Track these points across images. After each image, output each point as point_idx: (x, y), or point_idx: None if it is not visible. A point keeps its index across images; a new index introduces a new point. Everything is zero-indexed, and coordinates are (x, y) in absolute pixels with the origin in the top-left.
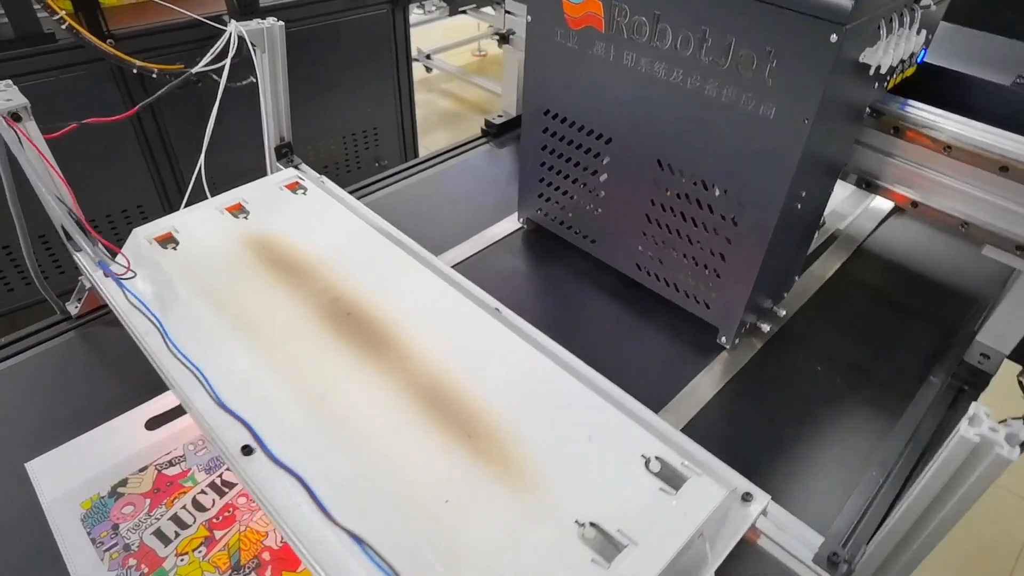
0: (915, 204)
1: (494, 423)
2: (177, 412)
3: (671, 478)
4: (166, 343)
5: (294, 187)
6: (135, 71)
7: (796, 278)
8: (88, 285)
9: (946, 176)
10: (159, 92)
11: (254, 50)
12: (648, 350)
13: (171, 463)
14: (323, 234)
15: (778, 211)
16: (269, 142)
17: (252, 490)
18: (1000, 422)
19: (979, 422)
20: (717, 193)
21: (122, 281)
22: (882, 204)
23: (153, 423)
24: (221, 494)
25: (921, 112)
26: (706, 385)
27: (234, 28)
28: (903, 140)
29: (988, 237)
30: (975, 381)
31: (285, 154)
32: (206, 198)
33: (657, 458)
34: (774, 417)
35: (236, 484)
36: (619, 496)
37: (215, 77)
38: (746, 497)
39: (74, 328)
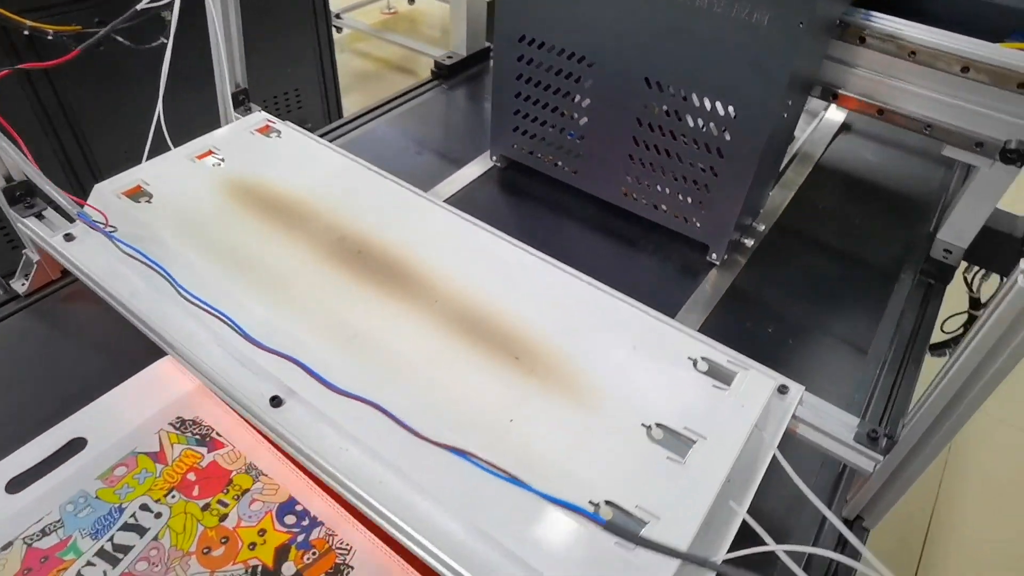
0: (881, 111)
1: (537, 344)
2: (47, 467)
3: (721, 375)
4: (177, 291)
5: (266, 130)
6: (26, 32)
7: (769, 194)
8: (35, 258)
9: (910, 82)
10: (104, 29)
11: None
12: (641, 275)
13: (44, 532)
14: (310, 175)
15: (771, 122)
16: (225, 89)
17: (289, 443)
18: None
19: None
20: (709, 108)
21: (112, 234)
22: (832, 122)
23: (15, 484)
24: (114, 562)
25: (886, 21)
26: (703, 300)
27: None
28: (869, 50)
29: (949, 137)
30: (941, 275)
31: (242, 101)
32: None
33: (703, 358)
34: (772, 321)
35: (133, 547)
36: (676, 397)
37: (119, 39)
38: (782, 389)
39: (24, 308)
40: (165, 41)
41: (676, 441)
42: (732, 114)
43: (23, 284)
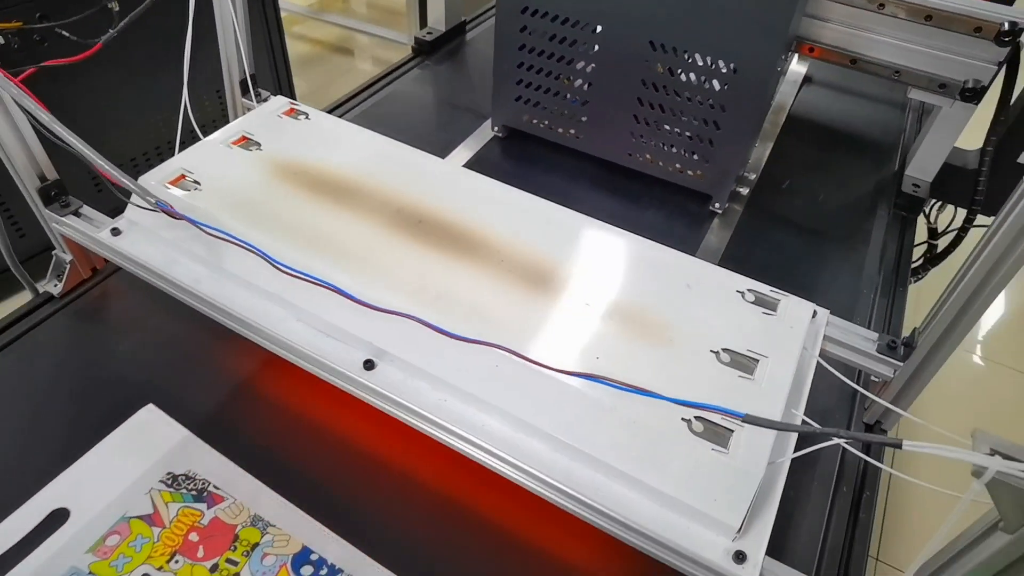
0: (854, 61)
1: (603, 290)
2: (29, 544)
3: (767, 304)
4: (275, 266)
5: (291, 113)
6: None
7: (755, 144)
8: (68, 258)
9: (879, 32)
10: (123, 22)
11: None
12: (651, 228)
13: None
14: (349, 153)
15: (770, 76)
16: (232, 78)
17: (388, 401)
18: None
19: None
20: (712, 65)
21: (195, 218)
22: (796, 73)
23: None
24: None
25: None
26: (712, 245)
27: None
28: (841, 4)
29: (915, 80)
30: (912, 207)
31: (253, 87)
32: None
33: (749, 290)
34: (775, 259)
35: None
36: (733, 325)
37: (64, 33)
38: (813, 314)
39: (58, 310)
40: (114, 33)
41: (743, 362)
42: (733, 70)
43: (56, 285)
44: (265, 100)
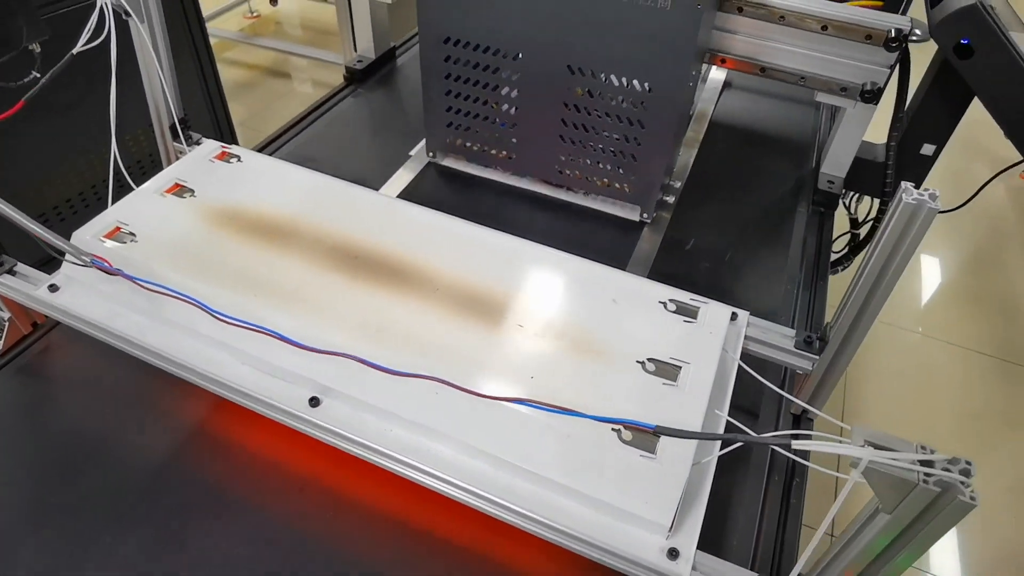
0: (763, 69)
1: (534, 311)
2: None
3: (688, 312)
4: (213, 315)
5: (223, 156)
6: None
7: (679, 152)
8: (6, 316)
9: (783, 42)
10: (43, 80)
11: (131, 19)
12: (583, 240)
13: None
14: (283, 193)
15: (681, 92)
16: (163, 122)
17: (335, 436)
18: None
19: (910, 192)
20: (627, 85)
21: (130, 272)
22: (716, 81)
23: None
24: None
25: None
26: (643, 254)
27: None
28: (747, 17)
29: (820, 85)
30: (829, 203)
31: (180, 132)
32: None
33: (671, 299)
34: (702, 262)
35: None
36: (657, 335)
37: None
38: (733, 316)
39: (2, 367)
40: (38, 76)
41: (667, 369)
42: (648, 89)
43: None
44: (197, 143)
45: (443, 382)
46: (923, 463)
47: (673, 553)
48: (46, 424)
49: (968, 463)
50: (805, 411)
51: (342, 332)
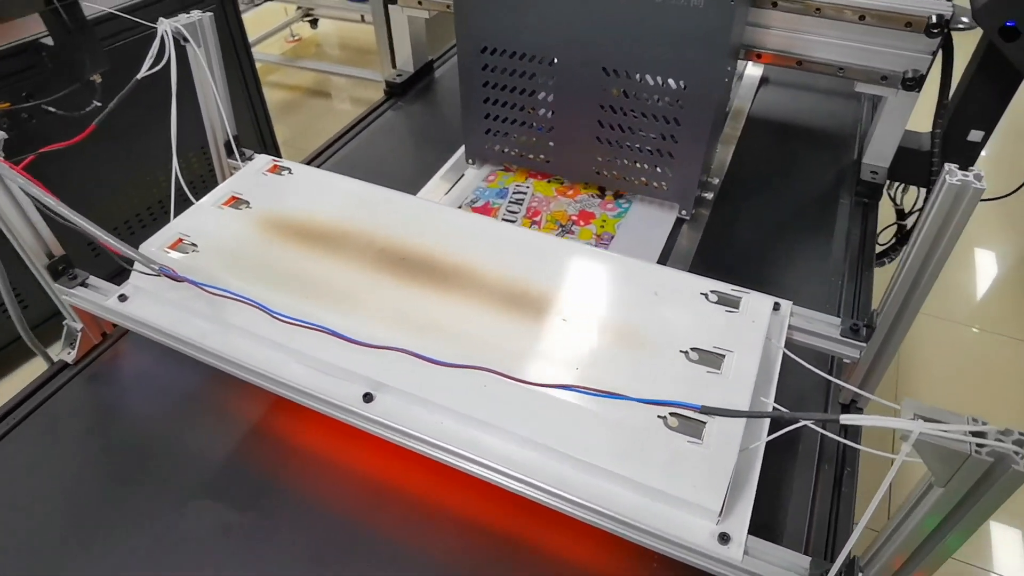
0: (800, 63)
1: (577, 305)
2: None
3: (729, 302)
4: (274, 317)
5: (275, 170)
6: None
7: (716, 150)
8: (79, 326)
9: (820, 34)
10: (113, 103)
11: (188, 45)
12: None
13: None
14: (333, 202)
15: (716, 89)
16: (218, 140)
17: (388, 429)
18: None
19: (954, 173)
20: (662, 84)
21: (199, 282)
22: (753, 77)
23: None
24: None
25: None
26: (683, 250)
27: (167, 26)
28: (781, 12)
29: (859, 75)
30: (872, 194)
31: (234, 149)
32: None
33: (712, 291)
34: (744, 255)
35: None
36: (699, 325)
37: (51, 109)
38: (775, 306)
39: (74, 376)
40: (99, 104)
41: (710, 358)
42: (683, 87)
43: (69, 353)
44: (250, 159)
45: (492, 371)
46: (975, 434)
47: (724, 538)
48: (119, 426)
49: (1022, 433)
50: (854, 400)
51: (393, 329)
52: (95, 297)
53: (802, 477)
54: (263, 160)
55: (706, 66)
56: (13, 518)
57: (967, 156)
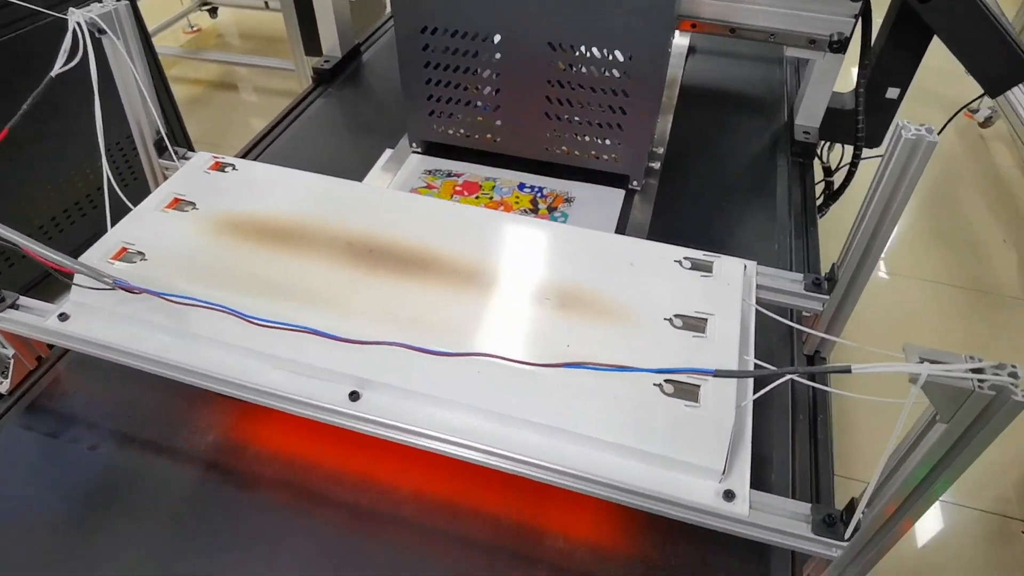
0: (733, 30)
1: (557, 285)
2: None
3: (703, 267)
4: (250, 322)
5: (218, 167)
6: None
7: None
8: (11, 352)
9: (752, 2)
10: (25, 106)
11: (104, 37)
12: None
13: None
14: (287, 197)
15: (661, 59)
16: (146, 139)
17: (379, 426)
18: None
19: (908, 128)
20: (609, 57)
21: (161, 292)
22: (681, 47)
23: None
24: None
25: None
26: (639, 220)
27: (80, 17)
28: None
29: (789, 40)
30: (806, 153)
31: (166, 147)
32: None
33: (685, 258)
34: (698, 221)
35: None
36: (678, 292)
37: None
38: (744, 268)
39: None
40: (19, 116)
41: (693, 323)
42: (630, 58)
43: (1, 383)
44: (184, 157)
45: (493, 356)
46: (974, 371)
47: (729, 495)
48: (70, 457)
49: (1014, 367)
50: (818, 351)
51: (376, 324)
52: (31, 320)
53: (780, 430)
54: (203, 157)
55: (652, 37)
56: None
57: (886, 112)
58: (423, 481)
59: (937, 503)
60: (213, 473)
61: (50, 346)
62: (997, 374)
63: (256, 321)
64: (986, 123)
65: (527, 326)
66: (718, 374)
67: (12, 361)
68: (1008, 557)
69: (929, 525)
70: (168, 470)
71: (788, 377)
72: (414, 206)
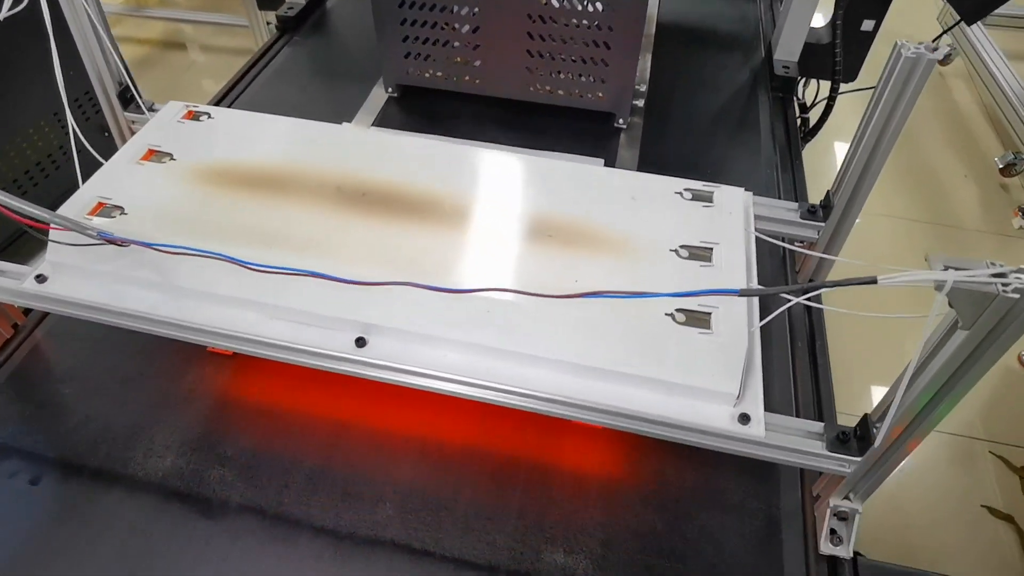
0: None
1: (560, 221)
2: None
3: (704, 197)
4: (249, 268)
5: (191, 116)
6: None
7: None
8: None
9: None
10: None
11: None
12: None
13: None
14: (269, 144)
15: None
16: (108, 91)
17: (388, 372)
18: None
19: (907, 47)
20: None
21: (152, 243)
22: None
23: None
24: None
25: None
26: (627, 158)
27: None
28: None
29: None
30: (786, 87)
31: (131, 99)
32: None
33: (686, 189)
34: (685, 156)
35: None
36: (682, 223)
37: None
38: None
39: None
40: None
41: (699, 252)
42: None
43: None
44: (151, 108)
45: (506, 290)
46: (996, 276)
47: (744, 418)
48: (62, 426)
49: None
50: (812, 279)
51: (376, 268)
52: (7, 283)
53: (780, 354)
54: (175, 107)
55: None
56: None
57: (861, 46)
58: (430, 426)
59: None
60: (209, 434)
61: (25, 313)
62: (1019, 278)
63: (256, 268)
64: (945, 61)
65: (533, 263)
66: (743, 293)
67: None
68: (976, 476)
69: None
70: (158, 436)
71: (802, 299)
72: (402, 145)
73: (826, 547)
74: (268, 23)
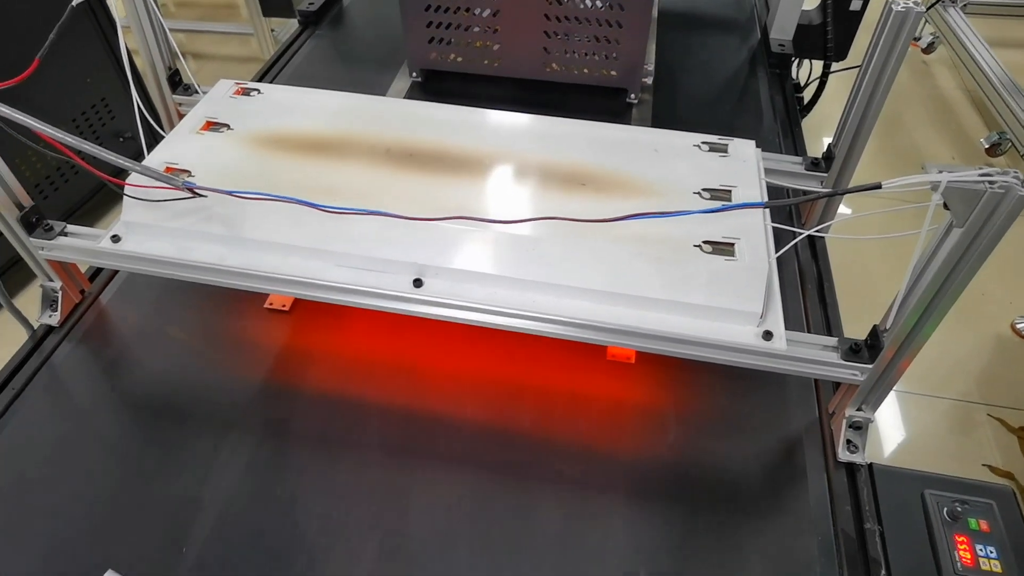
0: None
1: (591, 172)
2: None
3: (719, 148)
4: (325, 211)
5: (241, 92)
6: None
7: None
8: (58, 284)
9: None
10: (52, 35)
11: None
12: None
13: None
14: (318, 114)
15: None
16: (159, 74)
17: (444, 308)
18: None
19: (897, 3)
20: None
21: (234, 191)
22: None
23: None
24: None
25: None
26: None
27: None
28: None
29: None
30: (783, 64)
31: (179, 82)
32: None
33: (703, 142)
34: (694, 123)
35: None
36: (701, 169)
37: None
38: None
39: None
40: (48, 47)
41: (719, 193)
42: None
43: (51, 316)
44: (196, 91)
45: (556, 218)
46: (984, 176)
47: (768, 335)
48: (133, 378)
49: (1016, 172)
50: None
51: (431, 213)
52: (84, 244)
53: (789, 281)
54: (226, 84)
55: None
56: (49, 485)
57: (850, 24)
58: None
59: (908, 396)
60: (276, 384)
61: (91, 279)
62: (1005, 178)
63: (330, 209)
64: (929, 49)
65: (572, 206)
66: (768, 205)
67: (60, 294)
68: (976, 439)
69: (900, 419)
70: (227, 386)
71: (805, 234)
72: (446, 114)
73: (844, 455)
74: (272, 30)
